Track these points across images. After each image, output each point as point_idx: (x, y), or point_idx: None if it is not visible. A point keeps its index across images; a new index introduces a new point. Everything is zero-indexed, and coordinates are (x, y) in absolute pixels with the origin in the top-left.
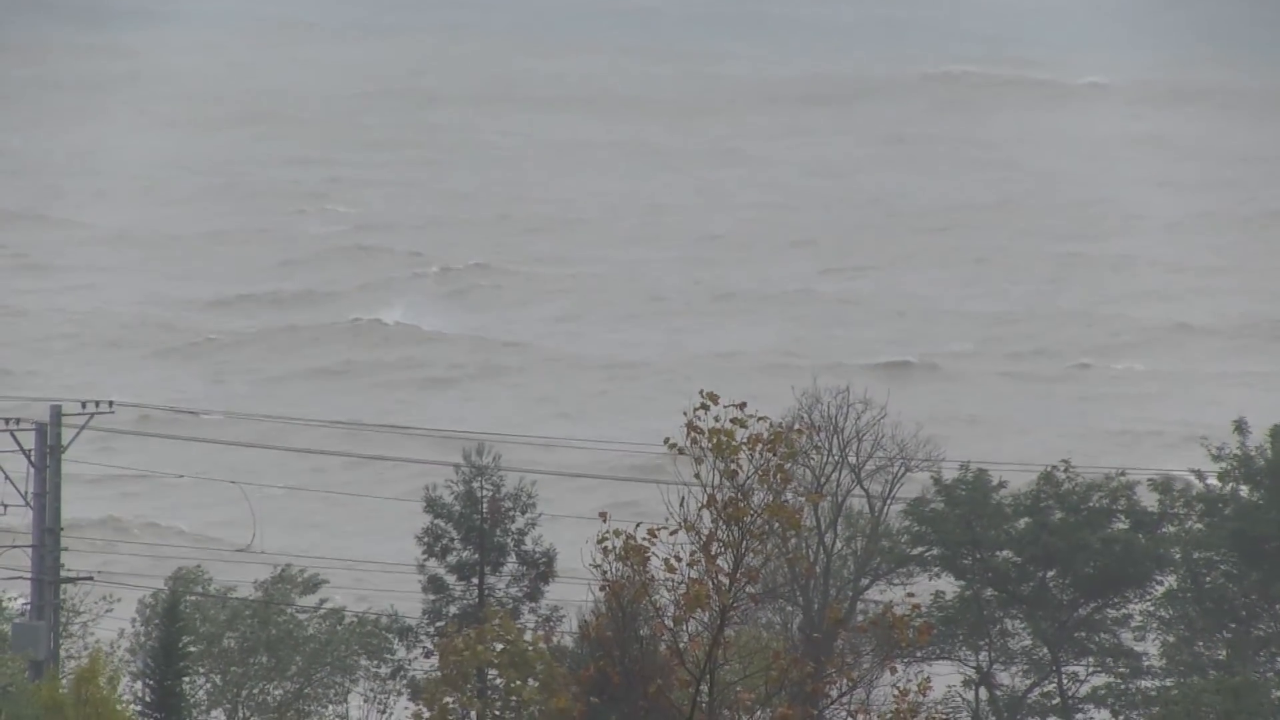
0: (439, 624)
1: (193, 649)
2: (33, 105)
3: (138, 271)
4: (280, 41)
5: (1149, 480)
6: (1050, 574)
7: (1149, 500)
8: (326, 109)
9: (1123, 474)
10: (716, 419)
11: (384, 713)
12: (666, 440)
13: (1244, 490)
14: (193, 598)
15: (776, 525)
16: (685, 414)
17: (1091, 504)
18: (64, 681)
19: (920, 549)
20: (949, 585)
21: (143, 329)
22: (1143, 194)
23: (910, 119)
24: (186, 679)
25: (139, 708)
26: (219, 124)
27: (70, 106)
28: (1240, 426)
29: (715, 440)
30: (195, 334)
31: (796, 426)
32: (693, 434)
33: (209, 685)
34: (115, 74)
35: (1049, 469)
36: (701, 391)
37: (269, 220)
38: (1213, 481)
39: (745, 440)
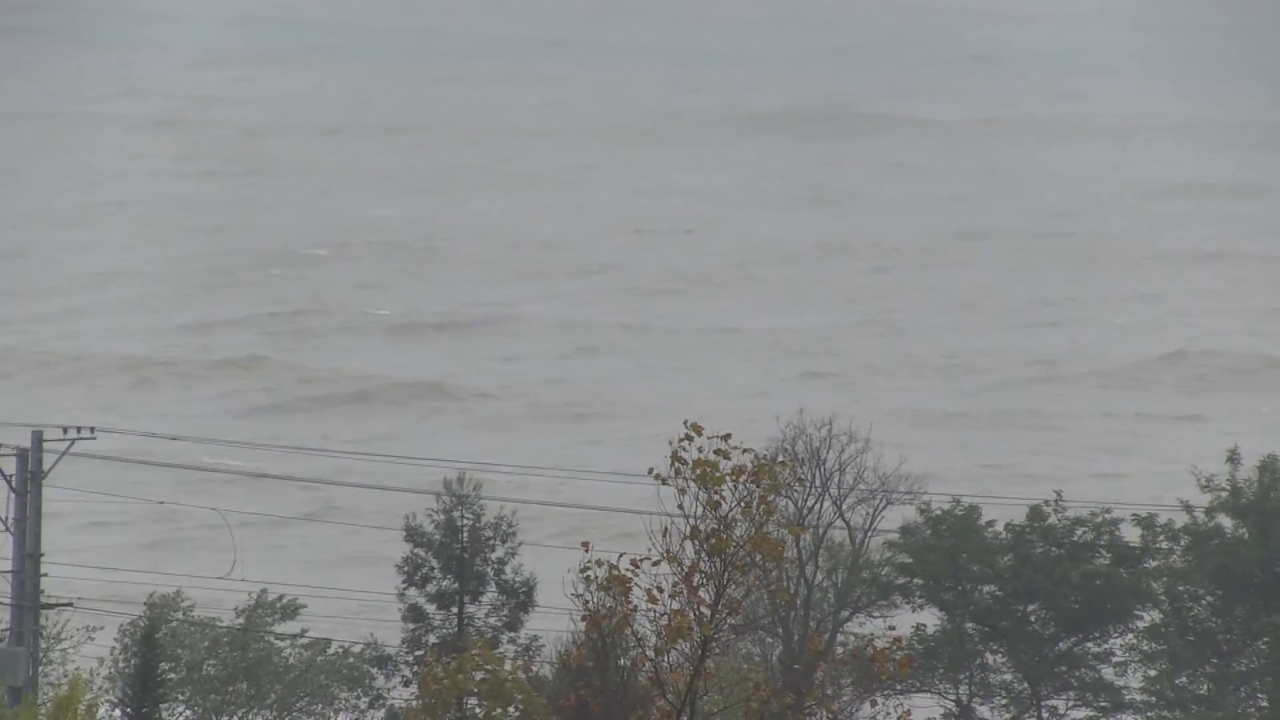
0: (418, 653)
1: (172, 676)
2: None
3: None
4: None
5: (1133, 515)
6: (1032, 608)
7: (1133, 536)
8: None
9: (1108, 511)
10: (700, 450)
11: None
12: (651, 470)
13: (1229, 525)
14: (171, 624)
15: (759, 557)
16: (670, 444)
17: (1075, 539)
18: (43, 708)
19: (904, 580)
20: (931, 617)
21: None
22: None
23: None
24: (164, 705)
25: None
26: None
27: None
28: (1233, 458)
29: (699, 471)
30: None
31: (780, 459)
32: (677, 464)
33: (188, 714)
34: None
35: (1040, 503)
36: (686, 422)
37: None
38: (1200, 514)
39: (729, 471)
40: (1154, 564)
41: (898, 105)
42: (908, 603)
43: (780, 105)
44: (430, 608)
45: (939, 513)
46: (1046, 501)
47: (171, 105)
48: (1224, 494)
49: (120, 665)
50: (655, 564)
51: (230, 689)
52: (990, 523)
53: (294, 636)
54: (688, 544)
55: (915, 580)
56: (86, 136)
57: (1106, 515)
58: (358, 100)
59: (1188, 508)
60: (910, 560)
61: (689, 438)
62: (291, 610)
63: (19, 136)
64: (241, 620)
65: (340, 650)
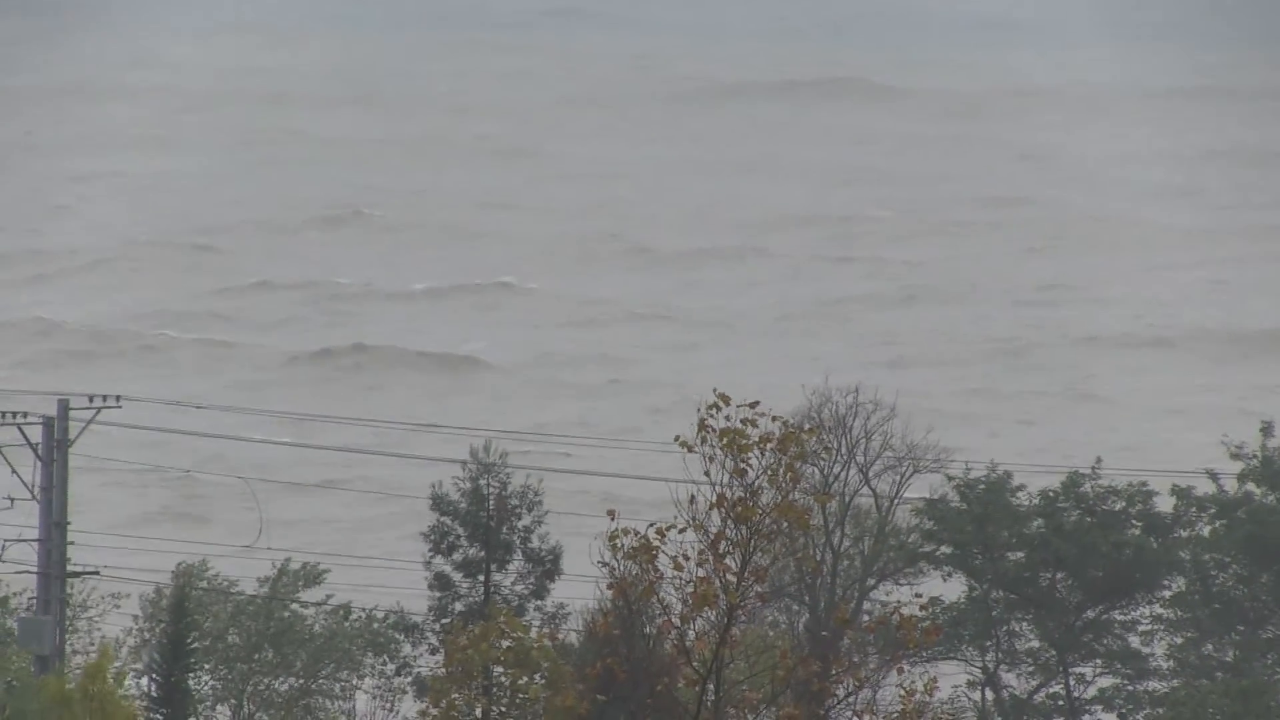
0: (444, 621)
1: (197, 645)
2: None
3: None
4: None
5: (1173, 486)
6: (1059, 576)
7: (1167, 505)
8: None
9: (1144, 484)
10: (728, 418)
11: (391, 710)
12: (677, 438)
13: (1257, 493)
14: (196, 592)
15: (785, 525)
16: (698, 411)
17: (1107, 508)
18: (71, 676)
19: (931, 547)
20: (958, 585)
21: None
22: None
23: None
24: (192, 675)
25: (145, 703)
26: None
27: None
28: (1267, 429)
29: (726, 439)
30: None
31: (807, 426)
32: (704, 433)
33: (214, 681)
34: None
35: (1076, 471)
36: (715, 390)
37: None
38: (1227, 483)
39: (756, 439)
40: (1184, 534)
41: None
42: (936, 570)
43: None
44: (456, 576)
45: (967, 480)
46: (1081, 471)
47: (185, 78)
48: (1255, 462)
49: (145, 634)
50: (681, 532)
51: (255, 657)
52: (1020, 487)
53: (318, 604)
54: (714, 512)
55: (942, 549)
56: (102, 107)
57: (1142, 486)
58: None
59: (1214, 476)
60: (936, 528)
61: (716, 406)
62: (315, 576)
63: (38, 104)
64: (265, 588)
65: (364, 615)
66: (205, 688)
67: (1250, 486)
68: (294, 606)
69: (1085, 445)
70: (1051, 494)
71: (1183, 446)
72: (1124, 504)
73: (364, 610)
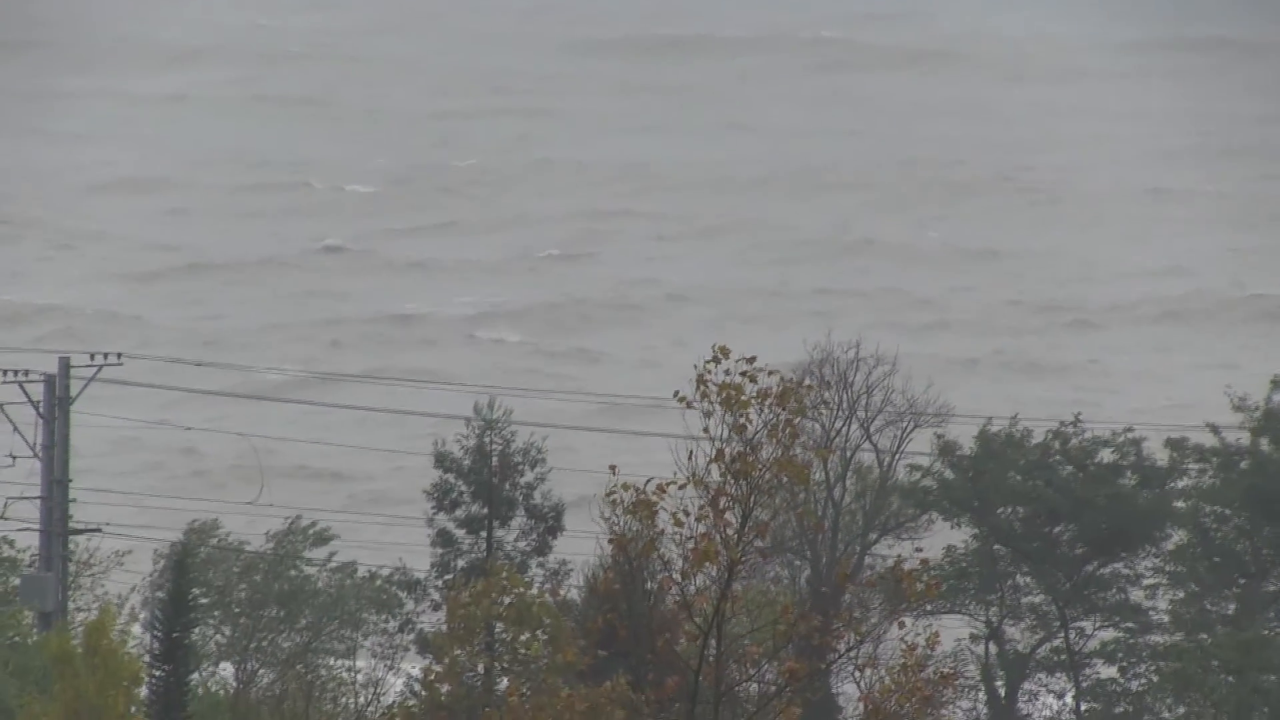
0: (447, 578)
1: (204, 600)
2: None
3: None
4: None
5: (1166, 438)
6: (1058, 530)
7: (1161, 456)
8: None
9: (1130, 430)
10: (727, 373)
11: (392, 667)
12: (676, 393)
13: (1264, 445)
14: (206, 550)
15: (785, 480)
16: (695, 367)
17: (1100, 460)
18: (75, 633)
19: (933, 498)
20: (960, 536)
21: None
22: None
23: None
24: (196, 630)
25: (148, 659)
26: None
27: None
28: (1277, 381)
29: (725, 394)
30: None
31: (806, 382)
32: (702, 387)
33: (219, 637)
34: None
35: (1060, 425)
36: (714, 345)
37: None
38: (1230, 435)
39: (755, 395)
40: (1181, 485)
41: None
42: (945, 519)
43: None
44: (459, 533)
45: (984, 434)
46: (1064, 423)
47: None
48: (1257, 413)
49: (154, 591)
50: (681, 488)
51: (261, 614)
52: (1027, 432)
53: (323, 562)
54: (713, 467)
55: (944, 503)
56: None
57: (1129, 435)
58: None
59: (1215, 429)
60: (934, 486)
61: (715, 360)
62: (323, 538)
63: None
64: (272, 545)
65: (369, 574)
66: (210, 644)
67: (1253, 439)
68: (301, 565)
69: (1089, 406)
70: (1042, 446)
71: (1186, 405)
72: (1115, 455)
73: (368, 569)
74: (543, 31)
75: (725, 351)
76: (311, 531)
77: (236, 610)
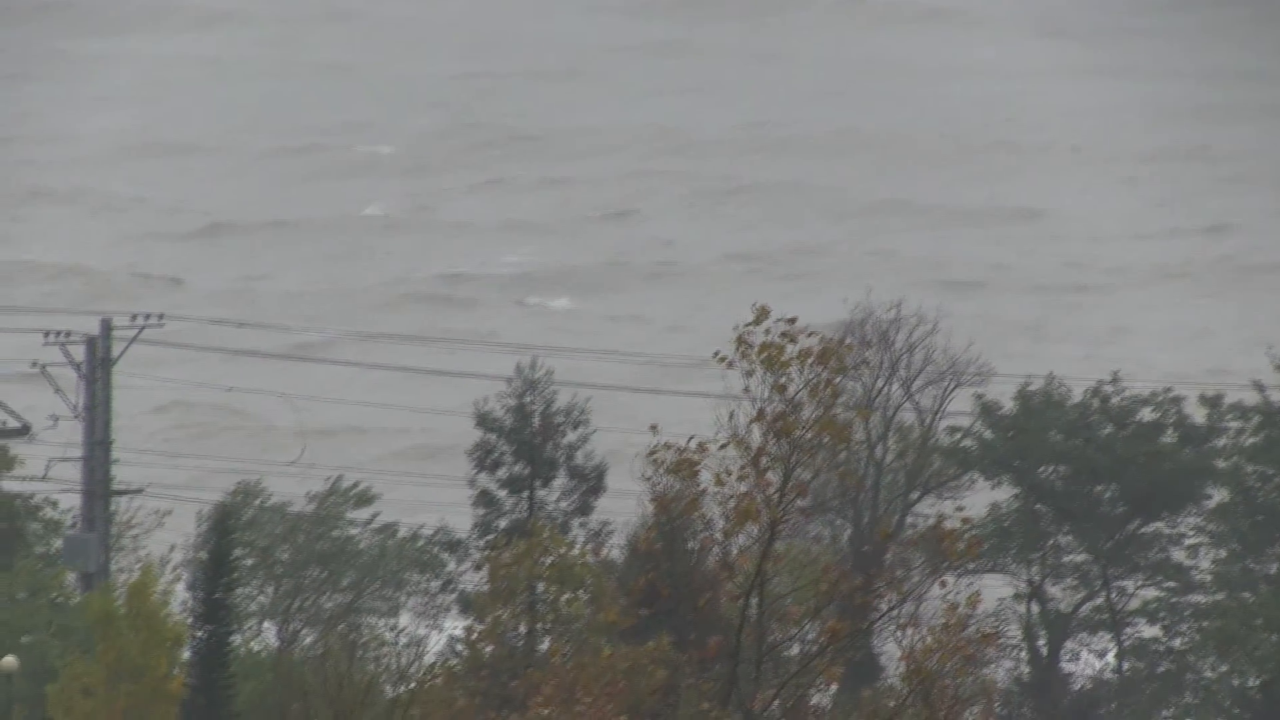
0: (488, 538)
1: (247, 561)
2: None
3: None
4: None
5: (1200, 395)
6: (1099, 489)
7: (1199, 414)
8: None
9: (1169, 390)
10: (767, 332)
11: (434, 626)
12: (716, 354)
13: None
14: (251, 511)
15: (826, 439)
16: (735, 327)
17: (1139, 418)
18: (117, 594)
19: (974, 458)
20: (1001, 496)
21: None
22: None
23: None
24: (238, 590)
25: (190, 620)
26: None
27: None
28: None
29: (765, 354)
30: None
31: (847, 342)
32: (742, 348)
33: (261, 597)
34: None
35: (1099, 383)
36: (754, 305)
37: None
38: (1273, 393)
39: (795, 355)
40: (1220, 444)
41: None
42: (985, 478)
43: None
44: (501, 493)
45: (1023, 391)
46: (1103, 381)
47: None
48: None
49: (196, 551)
50: (722, 447)
51: (304, 574)
52: (1066, 391)
53: (365, 523)
54: (754, 427)
55: (984, 463)
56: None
57: (1169, 394)
58: None
59: (1260, 387)
60: (974, 446)
61: (756, 321)
62: (365, 498)
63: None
64: (314, 506)
65: (410, 534)
66: (253, 604)
67: None
68: (344, 526)
69: (1128, 364)
70: (1081, 405)
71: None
72: (1155, 414)
73: (410, 529)
74: None
75: (765, 311)
76: (353, 492)
77: (279, 571)
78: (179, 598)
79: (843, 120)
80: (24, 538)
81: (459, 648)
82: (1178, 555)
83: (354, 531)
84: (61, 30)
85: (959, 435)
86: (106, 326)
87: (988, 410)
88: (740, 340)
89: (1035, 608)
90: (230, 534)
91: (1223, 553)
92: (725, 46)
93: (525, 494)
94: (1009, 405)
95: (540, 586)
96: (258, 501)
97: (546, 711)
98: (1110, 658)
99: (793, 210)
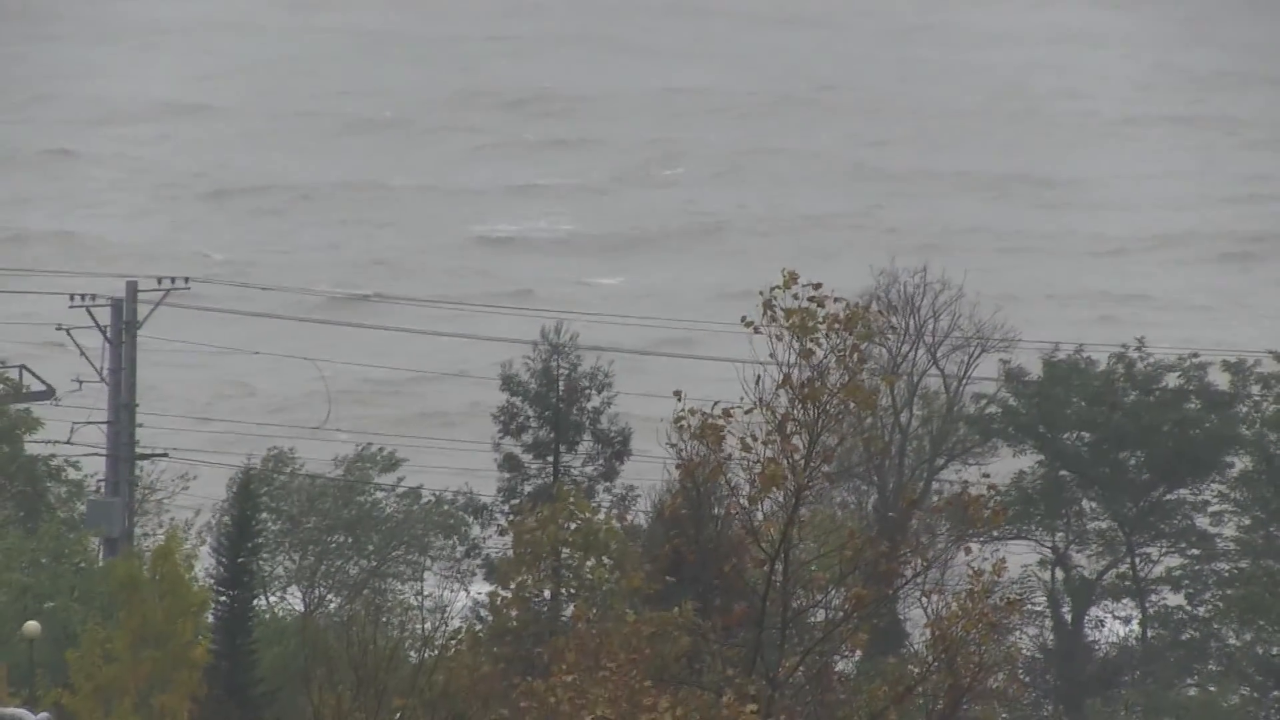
0: (513, 503)
1: (272, 526)
2: None
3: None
4: None
5: (1223, 361)
6: (1123, 455)
7: (1222, 381)
8: None
9: (1195, 355)
10: (795, 297)
11: (460, 590)
12: (743, 319)
13: None
14: (280, 478)
15: (852, 406)
16: (762, 293)
17: (1164, 384)
18: (142, 558)
19: (999, 425)
20: (1027, 463)
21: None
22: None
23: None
24: (263, 557)
25: (213, 583)
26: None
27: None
28: None
29: (792, 320)
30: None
31: (874, 308)
32: (769, 313)
33: (287, 563)
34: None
35: (1123, 348)
36: (783, 270)
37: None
38: None
39: (822, 320)
40: (1244, 410)
41: None
42: (1008, 445)
43: None
44: (526, 458)
45: (1049, 360)
46: (1127, 346)
47: None
48: None
49: (220, 516)
50: (748, 413)
51: (330, 540)
52: (1090, 361)
53: (391, 487)
54: (781, 392)
55: (1010, 428)
56: None
57: (1194, 359)
58: None
59: (1279, 356)
60: (999, 412)
61: (785, 286)
62: (391, 463)
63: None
64: (341, 471)
65: (434, 498)
66: (279, 569)
67: None
68: (371, 491)
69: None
70: (1106, 372)
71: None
72: (1179, 379)
73: (434, 493)
74: None
75: (794, 276)
76: (380, 457)
77: (305, 537)
78: (203, 563)
79: (876, 85)
80: (46, 500)
81: (483, 613)
82: (1201, 522)
83: (380, 495)
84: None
85: (984, 402)
86: (133, 289)
87: (1012, 377)
88: (767, 305)
89: (1059, 574)
90: (253, 499)
91: (1246, 520)
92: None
93: (550, 459)
94: (1035, 372)
95: (565, 552)
96: (286, 470)
97: (570, 677)
98: (1134, 625)
99: (817, 176)
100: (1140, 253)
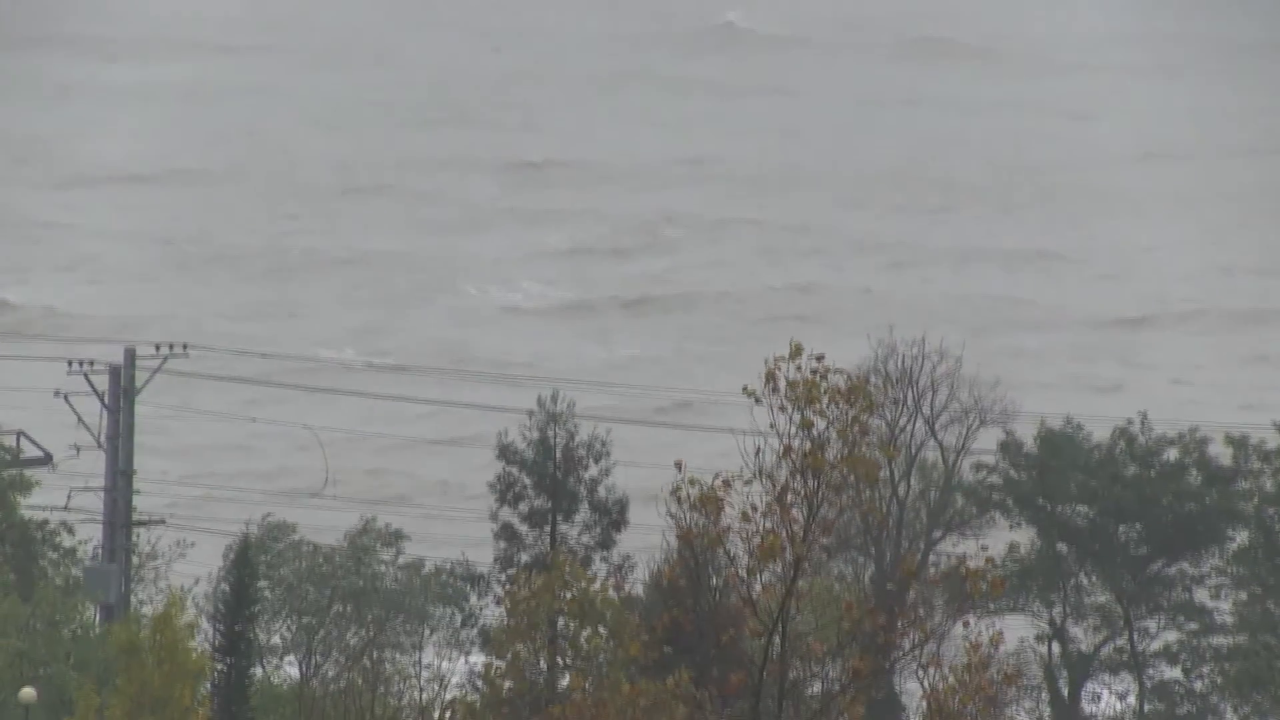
0: (509, 571)
1: (268, 594)
2: None
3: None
4: None
5: (1225, 435)
6: (1122, 529)
7: (1224, 456)
8: None
9: (1196, 429)
10: (798, 368)
11: (459, 660)
12: (745, 388)
13: None
14: (278, 546)
15: (852, 477)
16: (766, 363)
17: (1165, 459)
18: (142, 624)
19: (998, 497)
20: (1025, 536)
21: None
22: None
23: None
24: (260, 624)
25: (211, 651)
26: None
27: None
28: None
29: (797, 391)
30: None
31: (874, 380)
32: (771, 383)
33: (285, 630)
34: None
35: (1125, 423)
36: (791, 341)
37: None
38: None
39: (824, 391)
40: (1245, 485)
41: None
42: (1006, 518)
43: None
44: (523, 527)
45: (1043, 433)
46: (1130, 420)
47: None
48: None
49: (218, 584)
50: (747, 483)
51: (330, 609)
52: (1090, 438)
53: (392, 559)
54: (780, 463)
55: (1009, 500)
56: None
57: (1194, 432)
58: None
59: None
60: (999, 483)
61: (792, 356)
62: (395, 539)
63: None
64: (345, 543)
65: (434, 569)
66: (275, 637)
67: None
68: (373, 563)
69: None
70: (1108, 445)
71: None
72: (1180, 454)
73: (433, 563)
74: (588, 26)
75: (799, 348)
76: (387, 532)
77: (302, 608)
78: (201, 630)
79: (867, 158)
80: (40, 564)
81: (478, 683)
82: (1200, 596)
83: (381, 568)
84: (56, 59)
85: (984, 473)
86: (130, 356)
87: (1007, 450)
88: (770, 375)
89: (1057, 648)
90: (251, 567)
91: (1244, 595)
92: (759, 83)
93: (547, 528)
94: (1031, 443)
95: (561, 621)
96: (285, 540)
97: None
98: (1131, 699)
99: (817, 247)
100: (1146, 325)
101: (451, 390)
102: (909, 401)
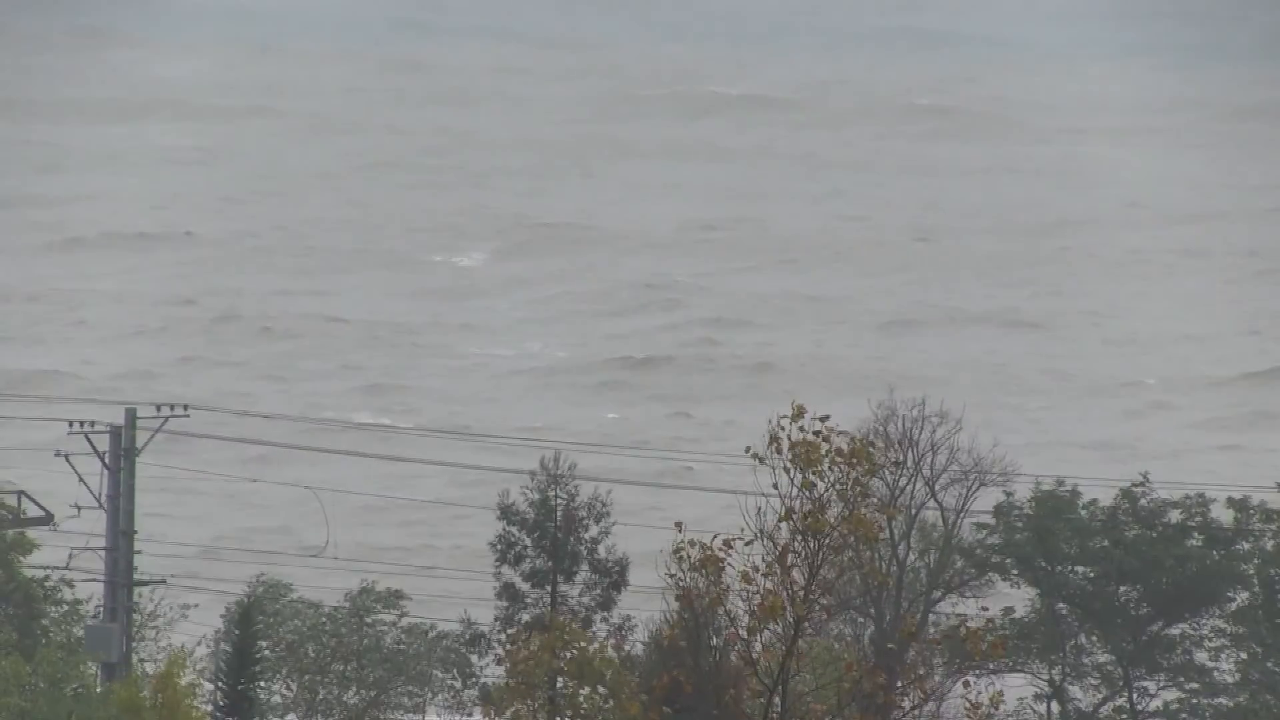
0: (509, 631)
1: (268, 654)
2: None
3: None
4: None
5: (1228, 498)
6: (1124, 590)
7: (1225, 518)
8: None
9: (1201, 495)
10: (802, 429)
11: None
12: (748, 449)
13: None
14: (276, 605)
15: (853, 538)
16: (770, 423)
17: (1167, 520)
18: (143, 683)
19: (997, 559)
20: (1024, 596)
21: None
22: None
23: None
24: (261, 684)
25: (213, 710)
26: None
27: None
28: None
29: (797, 453)
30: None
31: (875, 442)
32: (775, 445)
33: (285, 690)
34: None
35: (1129, 485)
36: (793, 403)
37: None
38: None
39: (827, 453)
40: (1246, 546)
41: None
42: (1004, 580)
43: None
44: (524, 586)
45: (1038, 495)
46: (1135, 484)
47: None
48: None
49: (219, 644)
50: (748, 544)
51: (332, 668)
52: (1092, 502)
53: (393, 622)
54: (782, 524)
55: (1007, 561)
56: None
57: (1198, 497)
58: None
59: None
60: (999, 544)
61: (795, 417)
62: (394, 601)
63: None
64: (346, 604)
65: (436, 632)
66: (275, 697)
67: None
68: (373, 625)
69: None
70: (1111, 508)
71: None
72: (1182, 515)
73: (433, 624)
74: (587, 92)
75: (801, 410)
76: (387, 594)
77: (302, 669)
78: (203, 690)
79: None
80: (43, 623)
81: None
82: (1200, 657)
83: (383, 629)
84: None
85: (984, 534)
86: (131, 416)
87: (1002, 513)
88: (773, 437)
89: (1056, 708)
90: (253, 627)
91: (1243, 655)
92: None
93: (548, 588)
94: (1028, 505)
95: (560, 681)
96: (284, 600)
97: None
98: None
99: (823, 314)
100: (1147, 388)
101: (455, 451)
102: (910, 463)
